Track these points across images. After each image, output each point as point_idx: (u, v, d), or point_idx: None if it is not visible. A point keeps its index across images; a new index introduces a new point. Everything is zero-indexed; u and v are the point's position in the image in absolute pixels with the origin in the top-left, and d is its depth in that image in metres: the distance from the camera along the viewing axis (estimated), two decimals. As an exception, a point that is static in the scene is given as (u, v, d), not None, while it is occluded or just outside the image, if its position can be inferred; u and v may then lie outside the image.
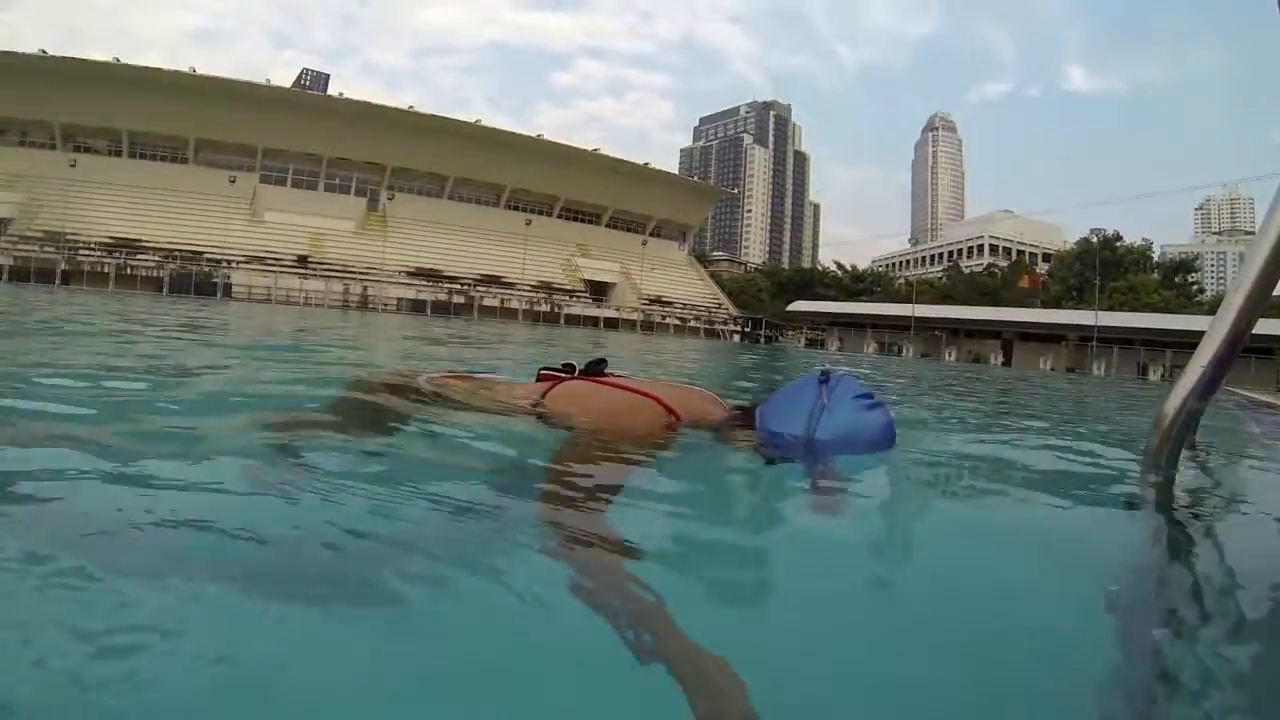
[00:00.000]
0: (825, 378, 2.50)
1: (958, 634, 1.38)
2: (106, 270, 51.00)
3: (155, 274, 51.97)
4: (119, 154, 64.42)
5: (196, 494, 1.84)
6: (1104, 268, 64.69)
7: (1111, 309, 57.48)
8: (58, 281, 45.85)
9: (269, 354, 7.61)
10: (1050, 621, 1.48)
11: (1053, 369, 49.46)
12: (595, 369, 2.83)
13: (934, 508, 2.47)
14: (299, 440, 2.41)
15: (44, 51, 60.21)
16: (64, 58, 60.53)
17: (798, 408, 2.48)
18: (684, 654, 1.11)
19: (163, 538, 1.52)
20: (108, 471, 1.93)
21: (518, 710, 1.05)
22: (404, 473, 2.17)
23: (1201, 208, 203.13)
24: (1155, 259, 77.57)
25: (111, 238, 55.77)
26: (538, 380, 2.84)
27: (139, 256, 54.71)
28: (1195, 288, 74.17)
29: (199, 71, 64.32)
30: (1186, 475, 2.76)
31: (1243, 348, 2.46)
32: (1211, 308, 58.07)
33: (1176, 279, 71.93)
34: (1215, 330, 2.39)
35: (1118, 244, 73.00)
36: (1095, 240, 73.34)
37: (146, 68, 62.42)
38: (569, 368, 2.88)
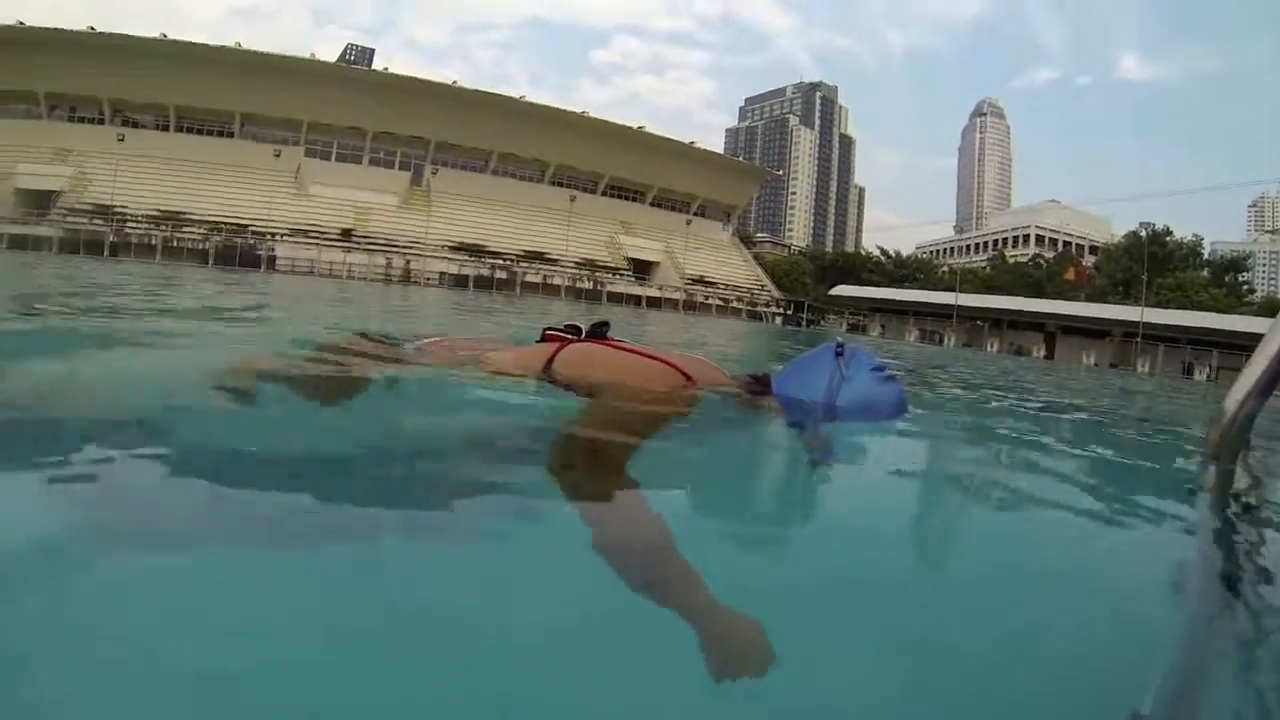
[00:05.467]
0: (840, 350, 2.57)
1: (1000, 623, 1.39)
2: (153, 242, 51.93)
3: (201, 246, 52.61)
4: (166, 128, 65.06)
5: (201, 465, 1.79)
6: (1152, 263, 62.69)
7: (1158, 305, 56.00)
8: (106, 253, 46.61)
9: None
10: (1107, 611, 1.48)
11: (1096, 364, 48.47)
12: (599, 331, 2.80)
13: (980, 492, 2.52)
14: (281, 404, 2.39)
15: (92, 28, 60.96)
16: (112, 34, 61.05)
17: (817, 377, 2.54)
18: (701, 605, 1.18)
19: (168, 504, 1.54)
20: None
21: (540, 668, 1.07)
22: (414, 439, 2.19)
23: (1255, 204, 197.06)
24: (1205, 256, 74.50)
25: (159, 210, 56.53)
26: (541, 341, 2.79)
27: (185, 229, 55.35)
28: (1245, 287, 71.76)
29: (244, 47, 64.66)
30: (1244, 471, 2.63)
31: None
32: (1263, 308, 57.19)
33: (1226, 278, 69.36)
34: (1277, 329, 2.28)
35: (1167, 239, 70.32)
36: (1144, 234, 71.17)
37: (192, 43, 62.95)
38: (573, 329, 2.83)
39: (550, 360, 2.57)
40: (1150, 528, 2.16)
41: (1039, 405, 6.38)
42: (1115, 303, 61.81)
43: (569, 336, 2.74)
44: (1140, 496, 2.65)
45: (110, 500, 1.52)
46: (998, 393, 7.30)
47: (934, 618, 1.32)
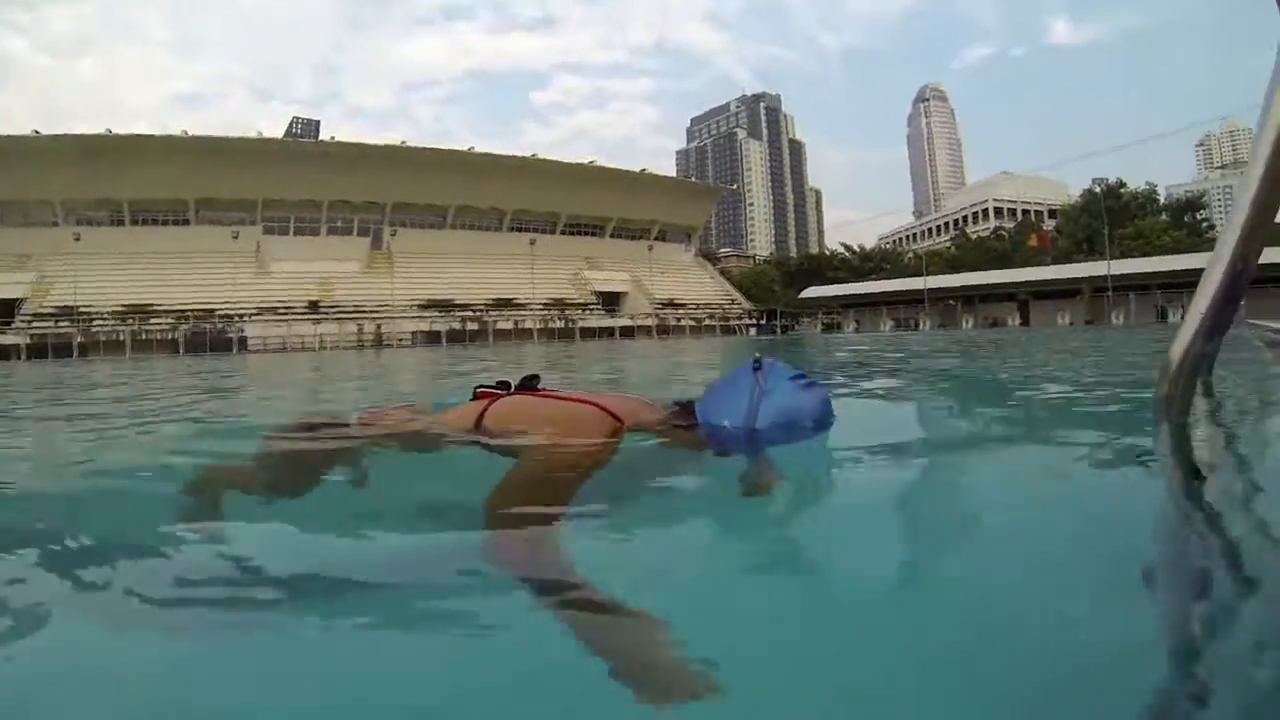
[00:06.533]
0: (758, 364, 2.51)
1: (952, 628, 1.32)
2: (122, 338, 51.67)
3: (170, 336, 52.57)
4: (121, 223, 65.04)
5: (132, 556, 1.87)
6: (1111, 216, 63.47)
7: (1123, 257, 56.86)
8: (75, 354, 46.41)
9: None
10: (1060, 601, 1.41)
11: (1071, 324, 49.13)
12: (529, 384, 2.83)
13: (921, 475, 2.59)
14: (226, 496, 2.39)
15: (36, 131, 60.81)
16: (57, 135, 61.06)
17: (736, 397, 2.48)
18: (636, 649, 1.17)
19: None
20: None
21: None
22: (344, 514, 2.21)
23: (1202, 144, 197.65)
24: (1161, 201, 75.88)
25: (123, 305, 56.36)
26: (474, 399, 2.80)
27: (152, 321, 55.34)
28: (1205, 224, 72.48)
29: (190, 133, 64.78)
30: (1201, 423, 2.67)
31: (1252, 280, 2.38)
32: (1226, 243, 57.18)
33: (1185, 218, 70.76)
34: (1214, 267, 2.32)
35: (1122, 190, 71.83)
36: (1099, 190, 72.27)
37: (138, 135, 63.15)
38: (504, 385, 2.87)
39: (480, 417, 2.61)
40: (1109, 511, 2.05)
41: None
42: (1081, 260, 62.48)
43: (498, 392, 2.79)
44: (1094, 474, 2.59)
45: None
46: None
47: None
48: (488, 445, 2.55)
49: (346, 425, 2.94)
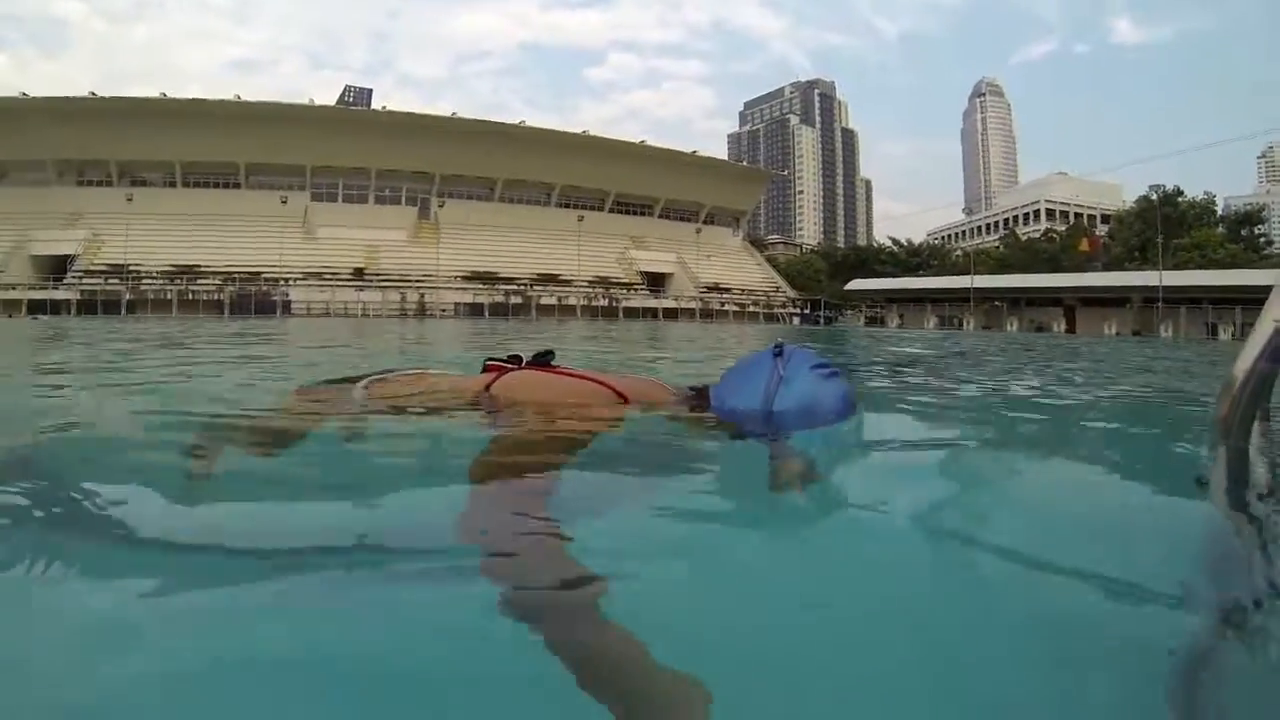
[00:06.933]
0: (780, 350, 2.47)
1: (978, 647, 1.22)
2: (169, 297, 52.44)
3: (216, 297, 53.11)
4: (173, 184, 65.97)
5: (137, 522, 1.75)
6: (1166, 225, 61.18)
7: (1176, 268, 54.77)
8: (123, 311, 47.07)
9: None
10: (1101, 632, 1.26)
11: (1118, 334, 47.78)
12: (542, 360, 2.80)
13: (956, 485, 2.34)
14: (229, 460, 2.31)
15: (93, 93, 61.97)
16: (114, 97, 62.25)
17: (754, 382, 2.45)
18: (632, 673, 1.02)
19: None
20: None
21: None
22: (338, 482, 2.15)
23: (1264, 155, 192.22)
24: (1219, 212, 72.77)
25: (172, 265, 57.20)
26: (484, 372, 2.80)
27: (199, 281, 56.04)
28: (1263, 240, 70.11)
29: (244, 98, 65.38)
30: (1261, 448, 2.40)
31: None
32: (1283, 259, 55.70)
33: (1243, 232, 67.95)
34: None
35: (1179, 199, 69.06)
36: (1155, 197, 70.08)
37: (193, 99, 63.67)
38: (515, 359, 2.86)
39: (486, 389, 2.61)
40: (1149, 519, 1.97)
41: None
42: (1133, 269, 60.89)
43: (509, 365, 2.76)
44: (1140, 479, 2.52)
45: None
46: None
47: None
48: (495, 413, 2.56)
49: (353, 390, 2.89)
